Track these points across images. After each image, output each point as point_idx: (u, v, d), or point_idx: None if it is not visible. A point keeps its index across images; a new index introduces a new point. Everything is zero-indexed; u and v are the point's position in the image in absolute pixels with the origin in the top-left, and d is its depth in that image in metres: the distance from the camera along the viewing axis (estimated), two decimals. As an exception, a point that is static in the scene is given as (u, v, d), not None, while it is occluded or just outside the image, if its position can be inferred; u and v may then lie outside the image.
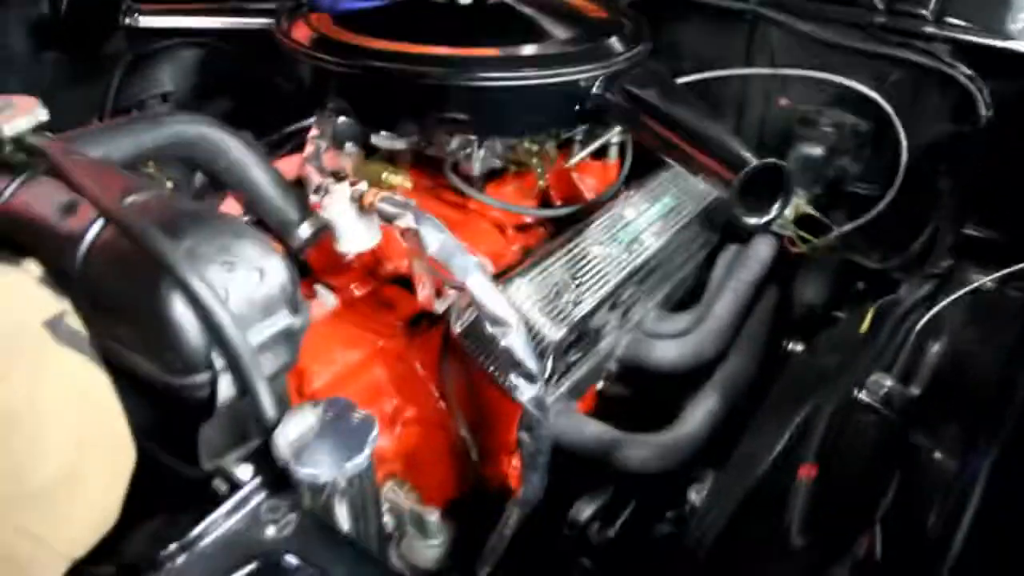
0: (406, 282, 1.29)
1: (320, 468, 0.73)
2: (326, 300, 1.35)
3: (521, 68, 1.24)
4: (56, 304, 0.64)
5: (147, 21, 1.62)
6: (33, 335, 0.61)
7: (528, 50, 1.30)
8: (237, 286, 0.75)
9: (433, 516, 1.26)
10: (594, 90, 1.27)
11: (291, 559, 0.67)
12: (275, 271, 0.78)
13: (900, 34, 1.48)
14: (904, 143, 1.50)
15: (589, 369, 1.34)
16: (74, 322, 0.65)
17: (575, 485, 1.32)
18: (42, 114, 0.91)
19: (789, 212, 1.44)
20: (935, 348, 1.12)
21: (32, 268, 0.64)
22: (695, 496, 1.23)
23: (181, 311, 0.72)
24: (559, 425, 1.26)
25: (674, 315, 1.47)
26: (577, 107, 1.28)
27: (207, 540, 0.67)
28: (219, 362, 0.74)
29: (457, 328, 1.19)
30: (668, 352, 1.39)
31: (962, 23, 1.46)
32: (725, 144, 1.12)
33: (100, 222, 0.79)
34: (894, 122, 1.49)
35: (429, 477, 1.33)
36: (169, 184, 1.44)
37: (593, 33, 1.37)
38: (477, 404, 1.27)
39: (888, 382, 1.06)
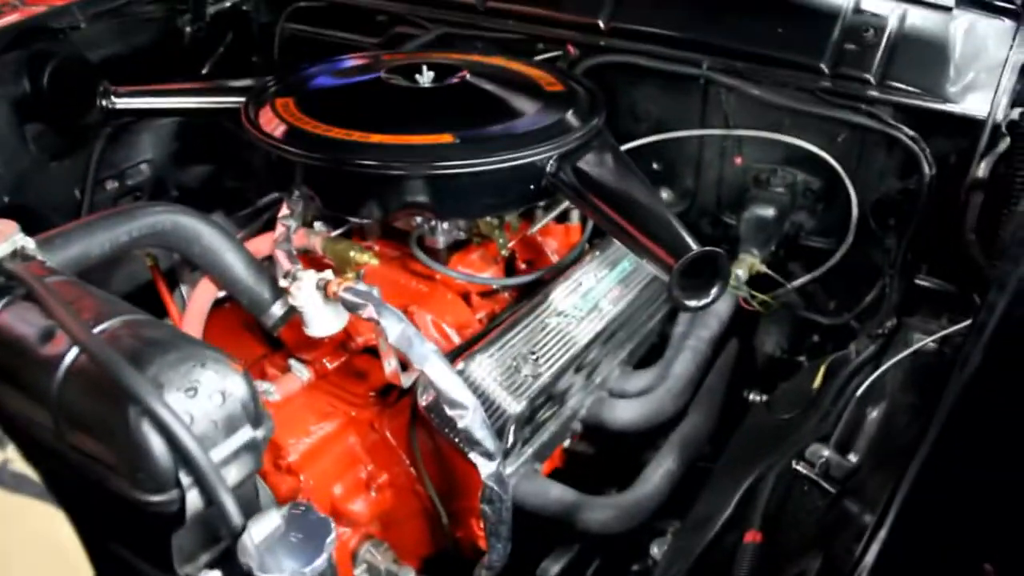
0: (376, 352, 1.35)
1: (282, 573, 0.79)
2: (300, 374, 1.41)
3: (477, 154, 1.30)
4: None
5: (123, 103, 1.68)
6: None
7: (484, 133, 1.36)
8: (200, 410, 0.82)
9: (408, 574, 1.33)
10: (548, 169, 1.33)
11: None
12: (236, 391, 0.85)
13: (846, 97, 1.54)
14: (854, 200, 1.56)
15: (554, 431, 1.40)
16: (20, 466, 0.70)
17: (542, 543, 1.38)
18: (20, 239, 0.97)
19: (743, 273, 1.51)
20: (873, 414, 1.19)
21: None
22: (656, 551, 1.29)
23: (149, 436, 0.78)
24: (523, 489, 1.33)
25: (636, 373, 1.53)
26: (532, 187, 1.34)
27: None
28: (186, 479, 0.80)
29: (422, 402, 1.26)
30: (629, 413, 1.45)
31: (904, 87, 1.53)
32: (667, 229, 1.18)
33: (75, 350, 0.85)
34: (844, 180, 1.56)
35: (404, 537, 1.39)
36: (149, 262, 1.52)
37: (547, 110, 1.43)
38: (444, 471, 1.33)
39: (826, 452, 1.12)
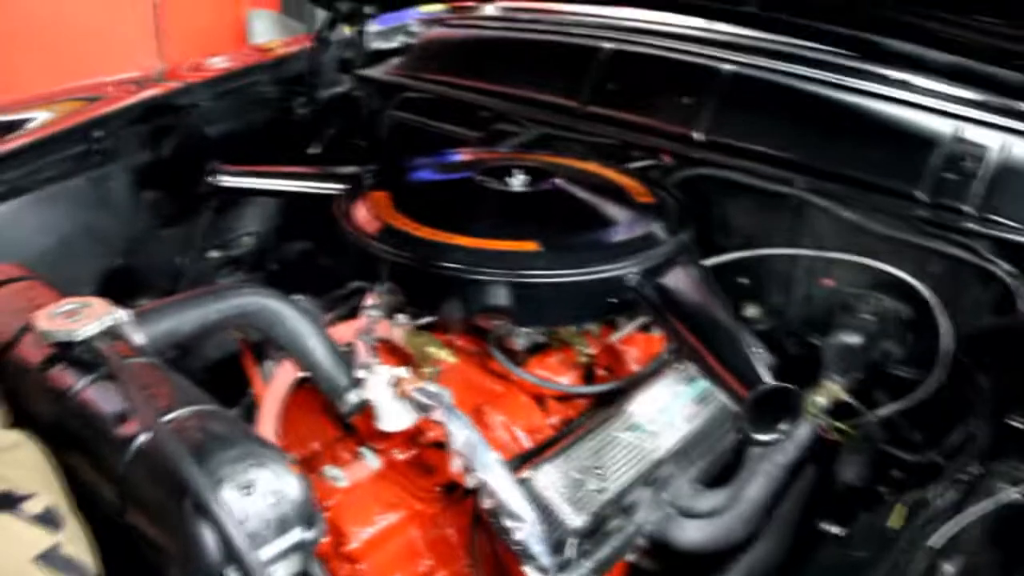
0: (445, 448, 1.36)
1: None
2: (369, 462, 1.43)
3: (560, 264, 1.32)
4: (49, 538, 0.72)
5: (227, 181, 1.76)
6: (18, 571, 0.68)
7: (569, 243, 1.38)
8: (254, 508, 0.84)
9: (458, 674, 1.31)
10: (630, 283, 1.33)
11: None
12: (290, 493, 0.87)
13: (942, 227, 1.50)
14: (945, 332, 1.51)
15: (616, 545, 1.37)
16: (72, 550, 0.73)
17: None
18: (109, 320, 1.02)
19: (823, 400, 1.47)
20: (949, 569, 1.13)
21: (29, 507, 0.72)
22: None
23: (201, 529, 0.81)
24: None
25: (707, 492, 1.49)
26: (613, 300, 1.34)
27: None
28: (233, 575, 0.82)
29: (484, 505, 1.25)
30: (697, 534, 1.42)
31: (1004, 220, 1.48)
32: (743, 359, 1.16)
33: (144, 436, 0.89)
34: (935, 311, 1.51)
35: (458, 638, 1.38)
36: (239, 334, 1.57)
37: (635, 222, 1.44)
38: (500, 573, 1.32)
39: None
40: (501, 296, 1.32)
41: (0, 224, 1.74)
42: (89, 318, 1.00)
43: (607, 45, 1.84)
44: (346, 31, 2.22)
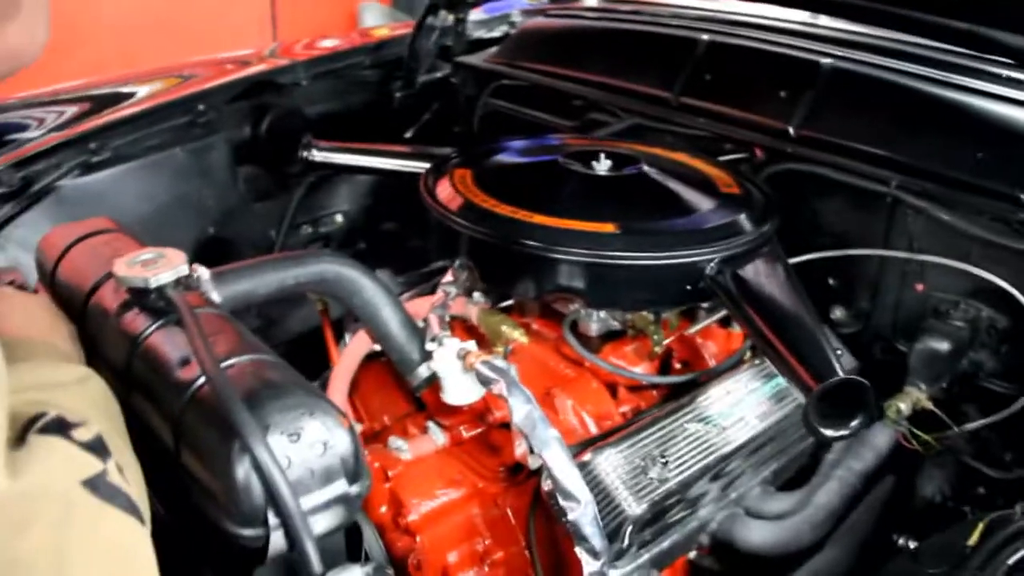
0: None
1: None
2: (436, 437, 1.44)
3: (636, 247, 1.30)
4: (97, 464, 0.73)
5: (321, 156, 1.80)
6: (64, 492, 0.70)
7: (648, 227, 1.36)
8: (299, 456, 0.85)
9: (510, 656, 1.31)
10: (708, 271, 1.31)
11: None
12: (338, 445, 0.88)
13: (1048, 234, 1.42)
14: (1044, 345, 1.44)
15: (677, 540, 1.35)
16: (116, 479, 0.74)
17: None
18: (184, 269, 1.04)
19: (905, 407, 1.40)
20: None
21: (79, 434, 0.74)
22: None
23: (245, 472, 0.82)
24: (635, 599, 1.28)
25: (776, 495, 1.45)
26: (689, 287, 1.32)
27: None
28: (274, 520, 0.83)
29: (544, 487, 1.24)
30: (762, 535, 1.37)
31: (1116, 231, 1.40)
32: (817, 352, 1.12)
33: (201, 379, 0.91)
34: (1034, 322, 1.43)
35: (510, 619, 1.37)
36: (319, 307, 1.60)
37: (718, 211, 1.41)
38: (557, 559, 1.31)
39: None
40: (575, 276, 1.31)
41: (103, 188, 1.81)
42: (164, 267, 1.03)
43: (704, 37, 1.81)
44: (448, 18, 2.24)
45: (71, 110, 1.91)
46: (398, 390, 1.60)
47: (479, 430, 1.46)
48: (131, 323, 1.03)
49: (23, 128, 1.84)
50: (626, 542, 1.24)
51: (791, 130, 1.61)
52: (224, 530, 0.84)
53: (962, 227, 1.43)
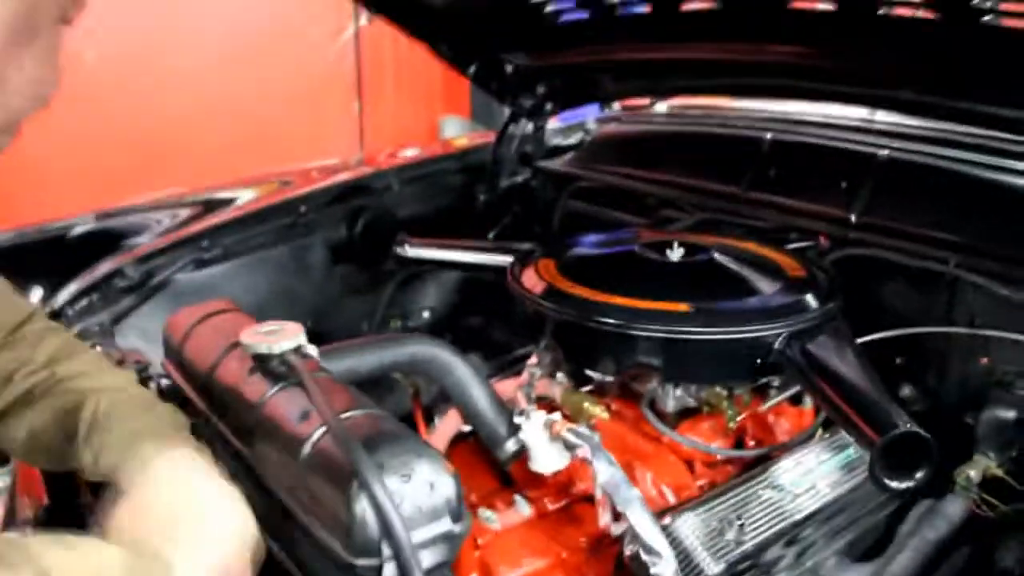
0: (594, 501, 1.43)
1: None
2: (522, 509, 1.52)
3: (708, 323, 1.40)
4: None
5: (414, 252, 1.94)
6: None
7: (719, 307, 1.45)
8: (410, 494, 0.95)
9: None
10: (777, 346, 1.39)
11: None
12: (444, 486, 0.98)
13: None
14: (1115, 419, 1.48)
15: (755, 606, 1.40)
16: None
17: None
18: (302, 338, 1.17)
19: (975, 474, 1.45)
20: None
21: None
22: None
23: (363, 508, 0.93)
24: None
25: (853, 565, 1.49)
26: (759, 361, 1.40)
27: None
28: (387, 552, 0.93)
29: (628, 551, 1.31)
30: (840, 603, 1.42)
31: None
32: (880, 409, 1.20)
33: (322, 430, 1.02)
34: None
35: None
36: (411, 390, 1.71)
37: (785, 291, 1.50)
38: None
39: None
40: (651, 352, 1.41)
41: (213, 282, 1.98)
42: (285, 336, 1.16)
43: (768, 136, 1.93)
44: (528, 127, 2.40)
45: (184, 213, 2.10)
46: (485, 469, 1.69)
47: (563, 503, 1.54)
48: (256, 386, 1.16)
49: (143, 230, 2.04)
50: (706, 603, 1.30)
51: (852, 218, 1.71)
52: (342, 561, 0.94)
53: (1020, 299, 1.50)
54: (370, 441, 0.97)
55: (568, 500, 1.54)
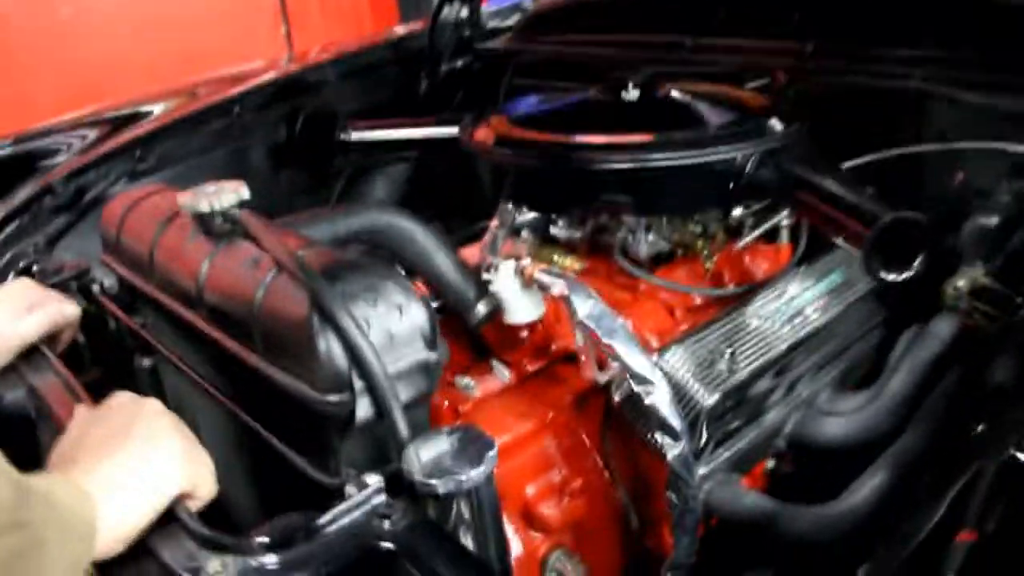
0: (576, 359, 1.36)
1: (440, 481, 0.81)
2: (501, 375, 1.45)
3: (674, 150, 1.32)
4: None
5: (358, 136, 1.84)
6: None
7: (684, 134, 1.38)
8: (378, 319, 0.87)
9: (600, 589, 1.30)
10: (746, 169, 1.32)
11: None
12: (414, 310, 0.90)
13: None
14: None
15: (753, 442, 1.35)
16: None
17: (736, 560, 1.31)
18: (245, 193, 1.08)
19: (964, 285, 1.40)
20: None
21: None
22: (864, 576, 1.20)
23: (328, 339, 0.84)
24: (717, 495, 1.28)
25: (848, 394, 1.44)
26: (729, 185, 1.33)
27: (330, 529, 0.77)
28: (358, 384, 0.85)
29: (616, 396, 1.25)
30: (837, 428, 1.37)
31: None
32: (863, 203, 1.13)
33: (274, 271, 0.93)
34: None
35: (594, 547, 1.36)
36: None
37: (749, 119, 1.43)
38: (637, 472, 1.31)
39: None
40: (618, 186, 1.33)
41: (150, 194, 1.86)
42: (226, 192, 1.07)
43: (713, -24, 1.85)
44: (462, 11, 2.30)
45: (107, 129, 1.98)
46: (458, 346, 1.61)
47: (544, 364, 1.47)
48: (200, 248, 1.06)
49: (65, 149, 1.91)
50: (704, 436, 1.24)
51: (807, 48, 1.64)
52: (311, 401, 0.86)
53: (990, 104, 1.44)
54: (329, 269, 0.89)
55: (548, 360, 1.47)
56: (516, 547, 1.32)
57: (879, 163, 1.56)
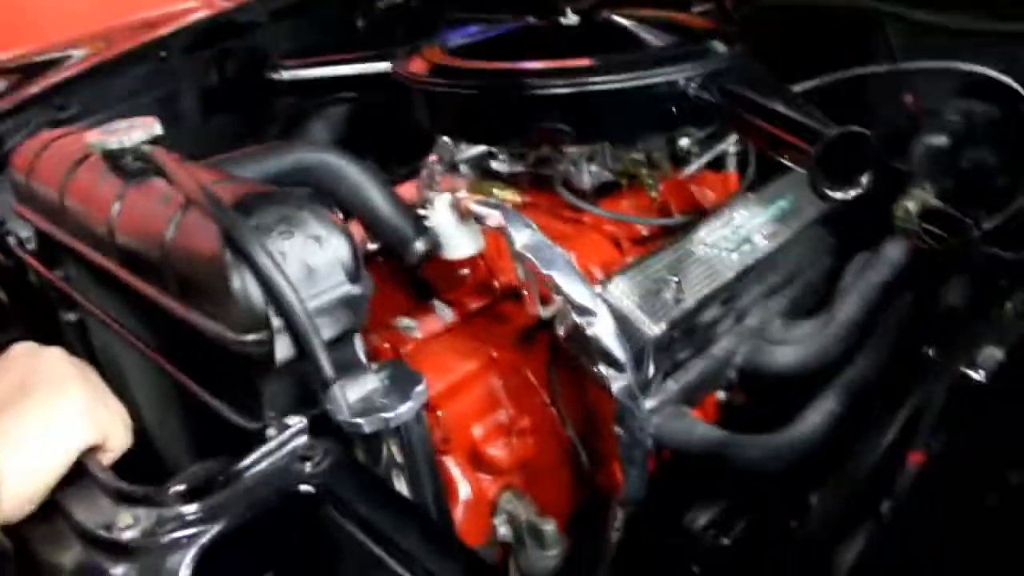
0: (519, 297, 1.32)
1: (366, 419, 0.77)
2: (443, 314, 1.40)
3: (614, 73, 1.27)
4: None
5: (289, 75, 1.76)
6: None
7: (624, 58, 1.33)
8: (294, 251, 0.82)
9: (550, 526, 1.27)
10: (688, 91, 1.28)
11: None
12: (334, 241, 0.84)
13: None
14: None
15: (702, 373, 1.32)
16: None
17: (688, 493, 1.29)
18: (156, 129, 1.01)
19: (913, 206, 1.37)
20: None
21: None
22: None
23: (241, 275, 0.79)
24: (667, 427, 1.25)
25: (798, 322, 1.42)
26: (672, 109, 1.29)
27: (249, 474, 0.73)
28: (276, 322, 0.79)
29: (561, 331, 1.21)
30: (788, 356, 1.34)
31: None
32: (809, 120, 1.09)
33: (184, 207, 0.87)
34: (1029, 108, 1.40)
35: (545, 487, 1.33)
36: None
37: (691, 42, 1.39)
38: (585, 409, 1.28)
39: (1000, 355, 0.99)
40: (558, 111, 1.28)
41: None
42: (137, 129, 1.00)
43: None
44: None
45: (21, 77, 1.88)
46: (395, 289, 1.56)
47: (486, 302, 1.42)
48: (110, 187, 1.00)
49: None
50: (651, 368, 1.21)
51: None
52: (228, 342, 0.81)
53: (939, 23, 1.40)
54: (241, 202, 0.83)
55: (491, 298, 1.43)
56: (465, 490, 1.29)
57: (829, 86, 1.53)
